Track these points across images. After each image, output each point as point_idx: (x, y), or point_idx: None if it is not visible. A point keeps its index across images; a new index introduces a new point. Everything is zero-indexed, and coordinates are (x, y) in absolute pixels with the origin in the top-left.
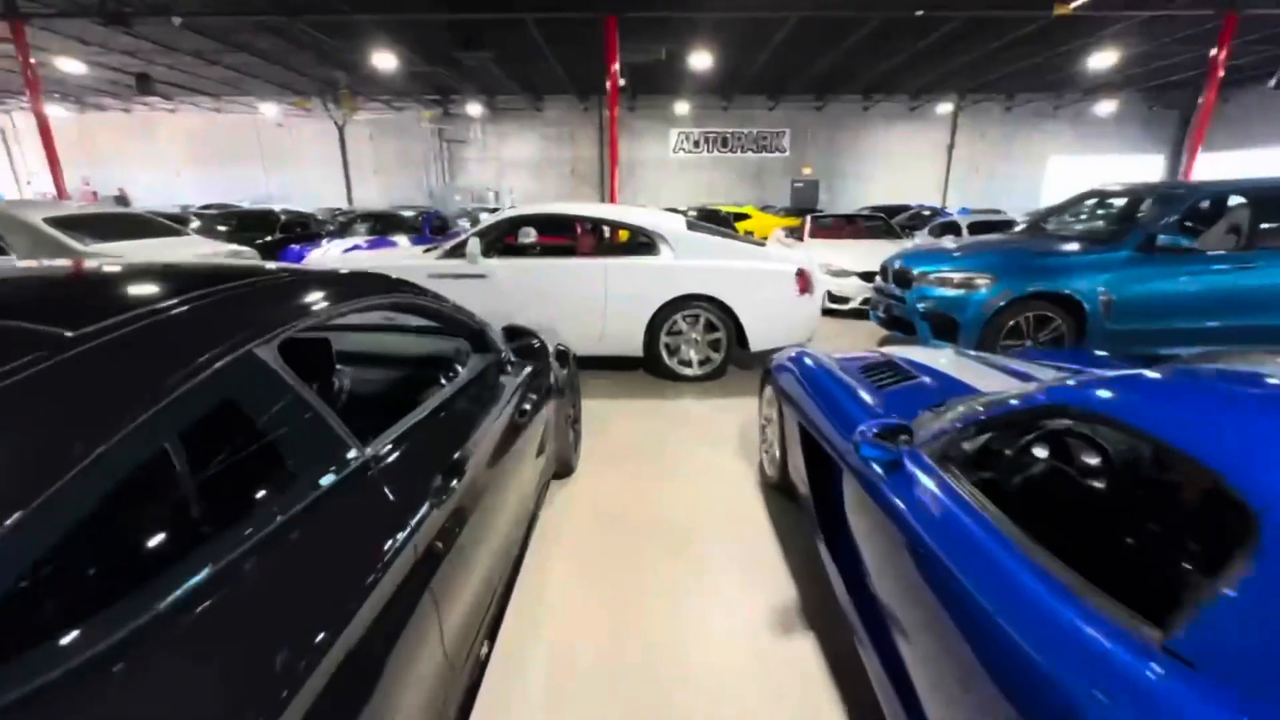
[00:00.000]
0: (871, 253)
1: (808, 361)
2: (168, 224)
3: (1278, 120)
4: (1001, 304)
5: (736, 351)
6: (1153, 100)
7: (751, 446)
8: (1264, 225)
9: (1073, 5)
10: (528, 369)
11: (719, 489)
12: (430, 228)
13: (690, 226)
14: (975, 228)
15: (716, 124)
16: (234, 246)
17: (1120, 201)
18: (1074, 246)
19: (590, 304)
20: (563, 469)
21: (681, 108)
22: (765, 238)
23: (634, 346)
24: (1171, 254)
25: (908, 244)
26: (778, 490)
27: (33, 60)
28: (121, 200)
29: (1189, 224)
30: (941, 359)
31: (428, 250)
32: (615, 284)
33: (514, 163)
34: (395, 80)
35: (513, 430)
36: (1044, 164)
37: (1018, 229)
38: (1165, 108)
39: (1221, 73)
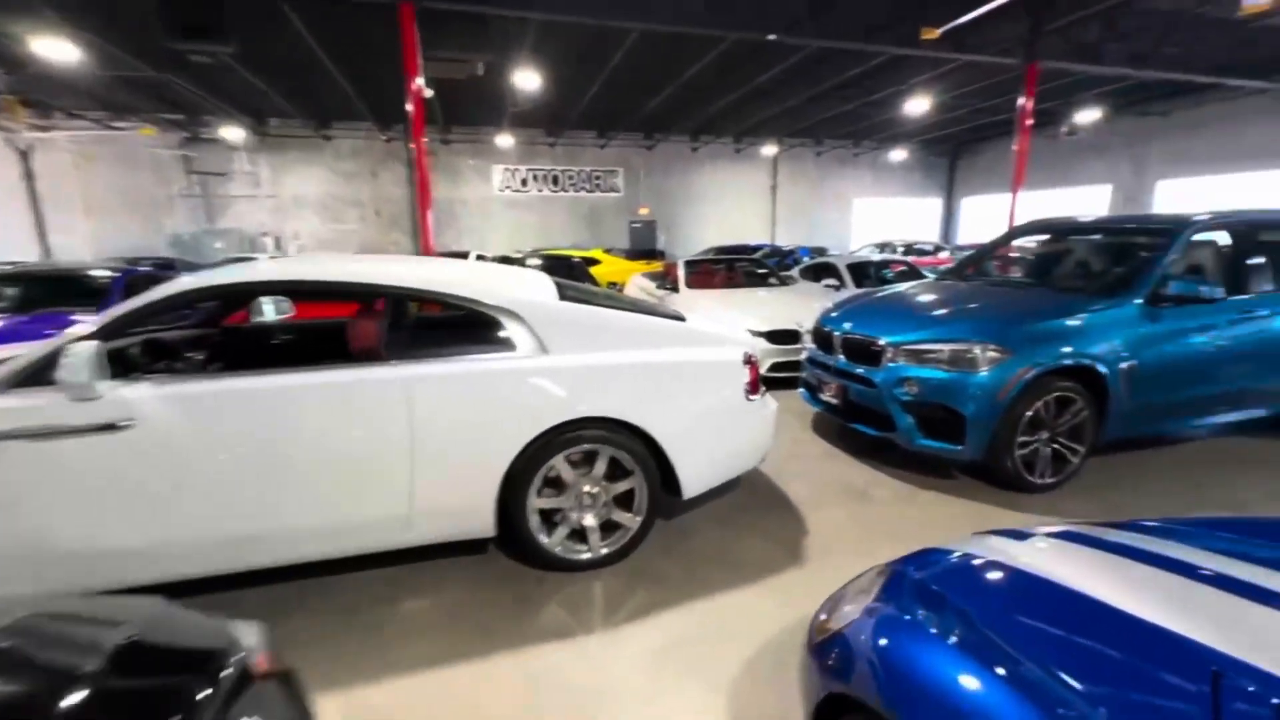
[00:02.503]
0: (773, 306)
1: None
2: None
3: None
4: (1017, 388)
5: (662, 499)
6: (929, 150)
7: None
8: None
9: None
10: None
11: None
12: (125, 292)
13: (564, 294)
14: (858, 271)
15: (545, 161)
16: None
17: (1087, 239)
18: (1064, 300)
19: (380, 458)
20: None
21: (505, 141)
22: (622, 285)
23: (477, 523)
24: (1181, 304)
25: (802, 292)
26: None
27: None
28: None
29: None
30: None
31: None
32: (431, 415)
33: (299, 202)
34: (101, 87)
35: None
36: (850, 205)
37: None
38: (938, 156)
39: (1030, 121)
